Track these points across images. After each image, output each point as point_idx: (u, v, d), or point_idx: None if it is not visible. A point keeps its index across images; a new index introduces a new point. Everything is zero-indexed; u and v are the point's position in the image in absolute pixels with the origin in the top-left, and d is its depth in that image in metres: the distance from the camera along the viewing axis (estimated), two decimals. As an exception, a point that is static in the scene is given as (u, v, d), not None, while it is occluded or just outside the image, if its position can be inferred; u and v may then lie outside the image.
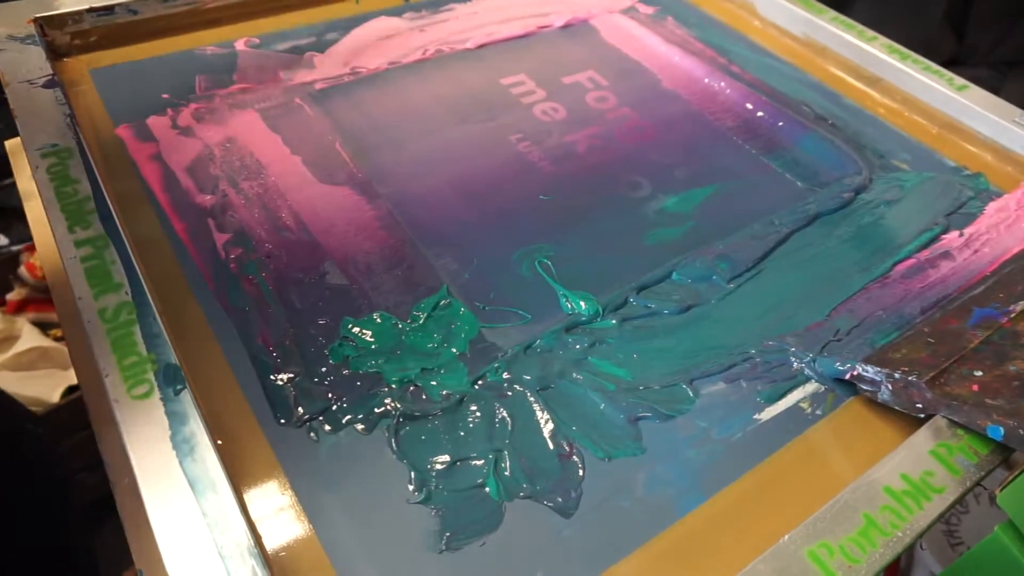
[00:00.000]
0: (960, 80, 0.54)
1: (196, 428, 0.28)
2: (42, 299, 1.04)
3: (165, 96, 0.48)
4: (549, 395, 0.34)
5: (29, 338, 0.92)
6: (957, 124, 0.53)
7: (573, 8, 0.62)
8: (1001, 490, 0.35)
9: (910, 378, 0.32)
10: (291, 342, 0.35)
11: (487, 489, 0.31)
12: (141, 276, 0.34)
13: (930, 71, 0.55)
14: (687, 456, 0.33)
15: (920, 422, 0.33)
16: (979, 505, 0.60)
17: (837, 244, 0.44)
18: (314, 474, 0.31)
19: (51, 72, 0.44)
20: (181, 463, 0.27)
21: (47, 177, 0.37)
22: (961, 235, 0.45)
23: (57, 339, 0.98)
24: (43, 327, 1.01)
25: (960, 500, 0.30)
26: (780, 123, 0.52)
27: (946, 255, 0.44)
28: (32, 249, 1.05)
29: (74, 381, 0.90)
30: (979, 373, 0.32)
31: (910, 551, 0.62)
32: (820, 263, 0.43)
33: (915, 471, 0.30)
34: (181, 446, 0.28)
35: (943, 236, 0.45)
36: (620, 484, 0.32)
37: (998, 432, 0.30)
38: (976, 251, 0.44)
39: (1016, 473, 0.36)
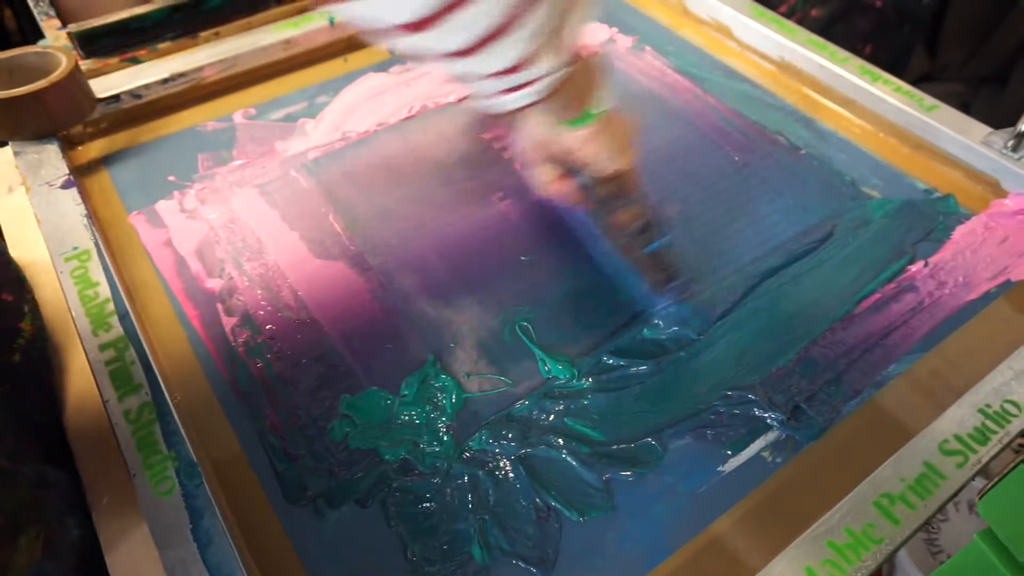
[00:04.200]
0: (930, 100, 0.55)
1: (213, 521, 0.33)
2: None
3: (172, 178, 0.52)
4: (528, 460, 0.38)
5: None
6: (928, 144, 0.54)
7: (553, 46, 0.64)
8: (981, 498, 0.37)
9: None
10: (296, 422, 0.39)
11: (472, 554, 0.35)
12: (158, 374, 0.38)
13: (900, 92, 0.56)
14: (655, 511, 0.36)
15: (867, 471, 0.35)
16: (958, 513, 0.62)
17: (804, 284, 0.46)
18: (321, 548, 0.35)
19: (67, 171, 0.48)
20: (202, 554, 0.32)
21: (71, 282, 0.42)
22: (926, 265, 0.47)
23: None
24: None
25: (899, 548, 0.33)
26: (751, 162, 0.54)
27: (910, 288, 0.46)
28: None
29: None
30: None
31: (890, 559, 0.65)
32: (787, 304, 0.45)
33: (857, 524, 0.33)
34: (202, 538, 0.32)
35: (909, 267, 0.47)
36: (593, 542, 0.35)
37: None
38: (941, 282, 0.46)
39: (996, 480, 0.38)
